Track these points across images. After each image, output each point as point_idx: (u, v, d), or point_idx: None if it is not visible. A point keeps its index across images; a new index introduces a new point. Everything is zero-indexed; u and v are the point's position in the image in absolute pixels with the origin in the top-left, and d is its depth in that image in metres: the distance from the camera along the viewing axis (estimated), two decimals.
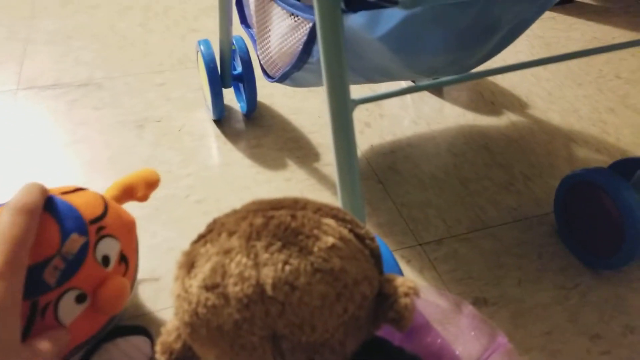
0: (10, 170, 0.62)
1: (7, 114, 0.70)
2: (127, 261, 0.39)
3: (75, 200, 0.36)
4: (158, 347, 0.30)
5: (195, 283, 0.28)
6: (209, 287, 0.27)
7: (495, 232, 0.58)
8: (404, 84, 0.81)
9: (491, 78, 0.83)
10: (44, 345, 0.30)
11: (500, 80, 0.83)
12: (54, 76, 0.78)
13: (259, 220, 0.29)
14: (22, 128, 0.69)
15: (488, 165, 0.67)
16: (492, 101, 0.79)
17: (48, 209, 0.33)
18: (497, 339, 0.36)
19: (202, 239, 0.30)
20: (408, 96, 0.79)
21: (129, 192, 0.43)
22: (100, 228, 0.36)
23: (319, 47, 0.36)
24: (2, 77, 0.77)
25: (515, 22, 0.49)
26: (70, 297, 0.33)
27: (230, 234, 0.29)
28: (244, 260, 0.27)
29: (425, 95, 0.80)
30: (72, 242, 0.33)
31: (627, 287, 0.52)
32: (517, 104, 0.79)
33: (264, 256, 0.27)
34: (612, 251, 0.50)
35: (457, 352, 0.36)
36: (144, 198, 0.44)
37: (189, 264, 0.29)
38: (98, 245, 0.35)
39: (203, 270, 0.28)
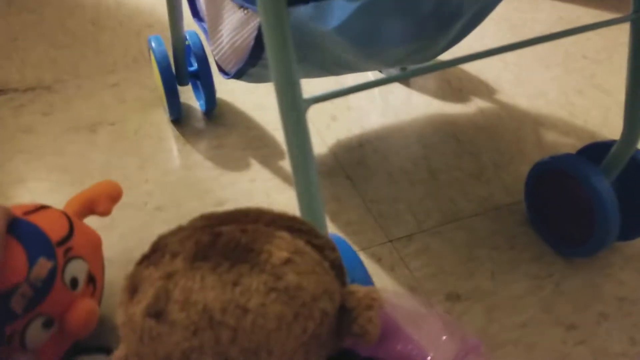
0: None
1: None
2: (94, 281, 0.37)
3: (39, 221, 0.34)
4: None
5: (138, 310, 0.25)
6: (153, 315, 0.25)
7: (466, 223, 0.56)
8: (370, 74, 0.79)
9: (458, 65, 0.82)
10: None
11: (467, 66, 0.81)
12: (1, 80, 0.73)
13: (205, 238, 0.27)
14: None
15: (458, 154, 0.66)
16: (460, 88, 0.78)
17: (13, 232, 0.31)
18: (469, 342, 0.34)
19: (145, 260, 0.28)
20: (375, 88, 0.77)
21: (89, 207, 0.41)
22: (68, 249, 0.34)
23: (265, 44, 0.33)
24: None
25: (478, 7, 0.48)
26: (37, 323, 0.32)
27: (174, 255, 0.27)
28: (189, 283, 0.25)
29: (392, 84, 0.78)
30: (40, 267, 0.32)
31: (600, 273, 0.51)
32: (485, 90, 0.77)
33: (211, 278, 0.25)
34: (584, 238, 0.50)
35: (429, 358, 0.34)
36: (106, 212, 0.42)
37: (132, 288, 0.27)
38: (66, 267, 0.34)
39: (146, 296, 0.25)
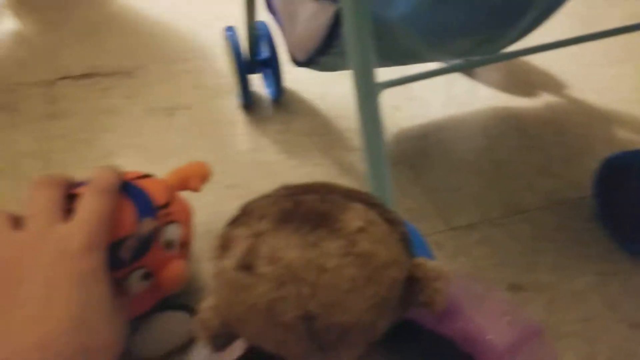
0: (50, 158, 0.64)
1: (46, 104, 0.72)
2: (186, 245, 0.42)
3: (146, 186, 0.38)
4: (197, 324, 0.31)
5: (229, 264, 0.28)
6: (243, 268, 0.28)
7: (530, 216, 0.56)
8: (434, 65, 0.79)
9: (525, 57, 0.81)
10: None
11: (535, 59, 0.80)
12: (87, 66, 0.80)
13: (288, 205, 0.30)
14: (60, 118, 0.70)
15: (523, 147, 0.65)
16: (526, 81, 0.77)
17: (125, 192, 0.36)
18: (531, 327, 0.35)
19: (234, 222, 0.31)
20: (439, 78, 0.78)
21: (183, 183, 0.45)
22: (167, 214, 0.39)
23: (344, 31, 0.35)
24: (42, 68, 0.79)
25: (547, 3, 0.48)
26: (138, 274, 0.36)
27: (261, 217, 0.29)
28: (275, 242, 0.28)
29: (457, 76, 0.78)
30: (145, 225, 0.36)
31: None
32: (553, 84, 0.76)
33: (294, 239, 0.28)
34: None
35: (489, 338, 0.35)
36: (197, 189, 0.47)
37: (223, 245, 0.30)
38: (165, 229, 0.38)
39: (237, 251, 0.28)
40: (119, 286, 0.35)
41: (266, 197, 0.32)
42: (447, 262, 0.52)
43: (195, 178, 0.46)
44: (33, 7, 0.94)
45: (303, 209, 0.29)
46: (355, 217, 0.29)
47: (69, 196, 0.34)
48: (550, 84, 0.76)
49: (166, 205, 0.39)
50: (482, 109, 0.72)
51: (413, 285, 0.30)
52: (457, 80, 0.77)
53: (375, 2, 0.39)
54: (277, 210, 0.29)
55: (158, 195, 0.39)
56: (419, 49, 0.52)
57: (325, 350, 0.29)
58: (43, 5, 0.95)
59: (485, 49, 0.56)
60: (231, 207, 0.33)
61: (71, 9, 0.93)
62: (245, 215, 0.31)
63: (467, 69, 0.79)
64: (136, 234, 0.35)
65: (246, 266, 0.28)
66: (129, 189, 0.37)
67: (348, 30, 0.34)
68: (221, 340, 0.32)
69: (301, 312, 0.27)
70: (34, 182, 0.33)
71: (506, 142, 0.66)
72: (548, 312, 0.47)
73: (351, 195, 0.31)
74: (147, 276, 0.37)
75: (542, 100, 0.73)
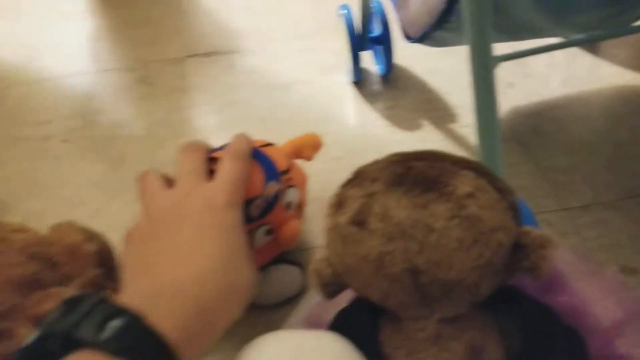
0: (185, 125, 0.72)
1: (178, 79, 0.81)
2: (301, 208, 0.47)
3: (270, 153, 0.43)
4: (311, 273, 0.35)
5: (343, 219, 0.32)
6: (356, 223, 0.31)
7: None
8: (553, 40, 0.76)
9: None
10: None
11: None
12: (213, 44, 0.87)
13: (399, 169, 0.32)
14: (189, 91, 0.79)
15: None
16: None
17: (255, 158, 0.41)
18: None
19: (348, 183, 0.34)
20: (558, 53, 0.74)
21: (298, 152, 0.49)
22: (288, 179, 0.44)
23: (462, 4, 0.36)
24: (173, 46, 0.88)
25: None
26: (262, 230, 0.42)
27: (374, 180, 0.32)
28: (387, 202, 0.30)
29: (578, 52, 0.74)
30: (271, 187, 0.41)
31: None
32: None
33: (405, 200, 0.30)
34: None
35: (595, 313, 0.35)
36: (309, 158, 0.51)
37: (338, 203, 0.33)
38: (285, 192, 0.43)
39: (351, 208, 0.31)
40: (247, 240, 0.40)
41: (378, 162, 0.34)
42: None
43: (308, 148, 0.50)
44: None
45: (414, 173, 0.31)
46: (464, 182, 0.31)
47: (210, 159, 0.39)
48: None
49: (287, 170, 0.44)
50: (604, 88, 0.68)
51: (519, 251, 0.31)
52: (578, 57, 0.73)
53: None
54: (389, 173, 0.32)
55: (280, 162, 0.43)
56: (539, 23, 0.50)
57: (429, 304, 0.31)
58: None
59: (612, 23, 0.53)
60: (338, 177, 0.36)
61: None
62: (358, 177, 0.34)
63: (590, 45, 0.74)
64: (264, 194, 0.40)
65: (359, 222, 0.31)
66: (257, 156, 0.41)
67: (469, 4, 0.35)
68: (331, 288, 0.35)
69: (408, 266, 0.29)
70: (181, 148, 0.38)
71: (629, 122, 0.62)
72: None
73: (461, 163, 0.32)
74: (269, 232, 0.42)
75: None
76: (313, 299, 0.43)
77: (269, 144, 0.46)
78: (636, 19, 0.54)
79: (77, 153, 0.70)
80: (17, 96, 0.81)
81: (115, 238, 0.43)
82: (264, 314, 0.47)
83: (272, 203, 0.41)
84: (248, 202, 0.39)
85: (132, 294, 0.28)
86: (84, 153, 0.70)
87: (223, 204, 0.33)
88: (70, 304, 0.26)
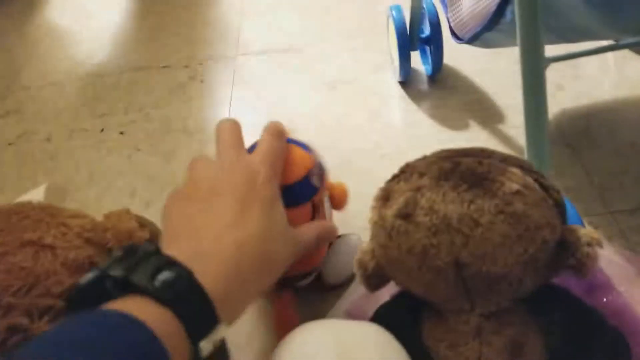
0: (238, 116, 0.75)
1: (229, 76, 0.84)
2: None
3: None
4: (355, 264, 0.36)
5: (390, 212, 0.33)
6: (403, 216, 0.32)
7: None
8: (604, 42, 0.74)
9: None
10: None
11: None
12: (264, 43, 0.90)
13: (447, 165, 0.33)
14: (240, 87, 0.82)
15: None
16: None
17: (292, 142, 0.43)
18: None
19: (395, 178, 0.35)
20: (609, 56, 0.73)
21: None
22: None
23: (515, 7, 0.37)
24: (225, 45, 0.92)
25: None
26: (326, 198, 0.44)
27: (421, 174, 0.33)
28: (434, 196, 0.31)
29: (631, 56, 0.72)
30: (314, 155, 0.43)
31: None
32: None
33: (452, 194, 0.31)
34: None
35: (639, 316, 0.35)
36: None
37: (385, 197, 0.34)
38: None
39: (397, 202, 0.33)
40: (318, 212, 0.42)
41: (426, 158, 0.36)
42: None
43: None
44: None
45: (461, 169, 0.32)
46: (511, 179, 0.31)
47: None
48: None
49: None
50: None
51: (564, 249, 0.31)
52: (629, 60, 0.72)
53: None
54: (437, 169, 0.33)
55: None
56: (590, 25, 0.50)
57: (471, 298, 0.32)
58: None
59: None
60: (383, 174, 0.37)
61: None
62: (406, 172, 0.35)
63: None
64: (316, 164, 0.42)
65: (405, 215, 0.32)
66: (293, 141, 0.43)
67: (519, 5, 0.36)
68: (375, 281, 0.37)
69: (452, 259, 0.31)
70: (219, 124, 0.40)
71: None
72: None
73: (509, 160, 0.33)
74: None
75: None
76: (356, 292, 0.44)
77: None
78: None
79: (131, 145, 0.74)
80: (76, 90, 0.87)
81: None
82: (310, 302, 0.49)
83: (323, 169, 0.43)
84: (308, 176, 0.40)
85: (176, 251, 0.30)
86: (138, 145, 0.74)
87: (264, 178, 0.35)
88: (127, 252, 0.28)
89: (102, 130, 0.77)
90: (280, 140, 0.39)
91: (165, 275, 0.26)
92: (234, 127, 0.39)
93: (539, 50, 0.36)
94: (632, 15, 0.46)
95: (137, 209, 0.50)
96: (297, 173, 0.40)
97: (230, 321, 0.30)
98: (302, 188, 0.40)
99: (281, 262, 0.34)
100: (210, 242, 0.31)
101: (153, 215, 0.50)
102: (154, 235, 0.51)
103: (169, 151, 0.72)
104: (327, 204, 0.44)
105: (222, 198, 0.33)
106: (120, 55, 0.93)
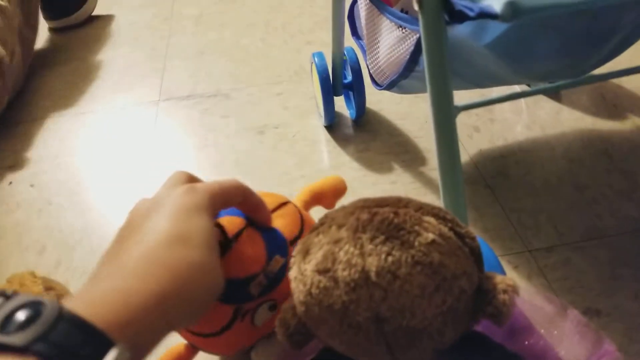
0: (153, 167, 0.72)
1: (151, 122, 0.82)
2: None
3: (278, 222, 0.40)
4: (277, 322, 0.34)
5: (309, 267, 0.32)
6: (321, 271, 0.31)
7: (612, 241, 0.55)
8: (517, 87, 0.79)
9: (615, 80, 0.78)
10: None
11: (625, 81, 0.77)
12: (188, 88, 0.88)
13: (364, 216, 0.33)
14: (164, 133, 0.79)
15: (608, 171, 0.64)
16: (615, 104, 0.74)
17: (260, 231, 0.38)
18: (604, 346, 0.35)
19: (315, 230, 0.34)
20: (522, 100, 0.78)
21: (317, 199, 0.46)
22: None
23: (424, 57, 0.38)
24: (147, 89, 0.89)
25: (635, 25, 0.47)
26: (265, 306, 0.38)
27: (340, 226, 0.32)
28: (352, 249, 0.31)
29: (541, 98, 0.78)
30: (275, 262, 0.38)
31: None
32: None
33: (369, 247, 0.30)
34: None
35: (560, 356, 0.36)
36: (330, 206, 0.46)
37: (304, 251, 0.33)
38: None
39: (316, 256, 0.32)
40: (239, 321, 0.37)
41: (344, 208, 0.35)
42: (522, 282, 0.52)
43: (329, 195, 0.46)
44: (134, 37, 1.06)
45: (378, 220, 0.32)
46: (427, 229, 0.31)
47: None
48: None
49: (297, 238, 0.40)
50: (566, 132, 0.71)
51: (482, 297, 0.31)
52: (541, 103, 0.77)
53: (464, 30, 0.42)
54: (355, 220, 0.32)
55: (288, 230, 0.39)
56: (501, 73, 0.53)
57: (393, 353, 0.31)
58: (146, 34, 1.06)
59: (570, 72, 0.56)
60: (313, 216, 0.36)
61: (177, 35, 1.04)
62: (324, 224, 0.34)
63: (552, 92, 0.78)
64: (266, 271, 0.37)
65: (324, 270, 0.31)
66: (263, 230, 0.38)
67: (428, 57, 0.37)
68: (298, 338, 0.35)
69: (372, 314, 0.30)
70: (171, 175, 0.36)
71: (590, 165, 0.65)
72: (627, 340, 0.46)
73: (424, 210, 0.33)
74: (274, 307, 0.39)
75: (631, 123, 0.71)
76: (281, 349, 0.42)
77: (284, 203, 0.42)
78: (591, 69, 0.57)
79: (43, 198, 0.69)
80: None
81: None
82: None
83: (277, 279, 0.38)
84: (247, 280, 0.36)
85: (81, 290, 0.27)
86: (50, 198, 0.69)
87: (187, 187, 0.32)
88: None
89: (11, 183, 0.72)
90: (244, 189, 0.36)
91: (19, 317, 0.22)
92: (179, 174, 0.36)
93: (448, 100, 0.37)
94: (531, 66, 0.50)
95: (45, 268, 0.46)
96: (235, 271, 0.36)
97: (141, 349, 0.26)
98: (231, 288, 0.35)
99: (210, 272, 0.30)
100: (116, 264, 0.28)
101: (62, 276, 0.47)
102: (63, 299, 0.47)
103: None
104: (266, 313, 0.39)
105: (144, 217, 0.31)
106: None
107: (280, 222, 0.40)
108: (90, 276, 0.29)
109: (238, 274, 0.36)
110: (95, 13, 1.14)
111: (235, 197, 0.36)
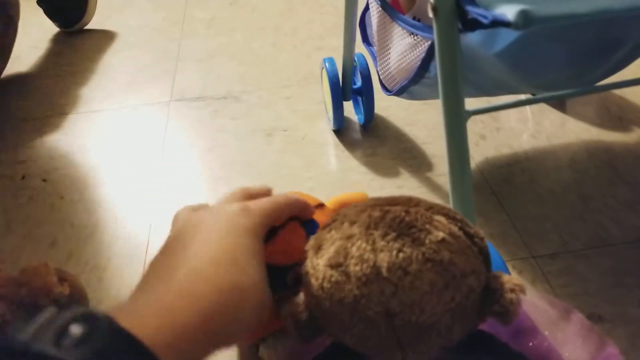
0: (163, 166, 0.74)
1: (162, 122, 0.83)
2: None
3: (319, 218, 0.41)
4: (288, 315, 0.35)
5: (321, 262, 0.33)
6: (334, 266, 0.32)
7: (616, 250, 0.56)
8: (522, 96, 0.80)
9: (619, 92, 0.79)
10: None
11: (630, 94, 0.78)
12: (199, 90, 0.90)
13: (376, 213, 0.33)
14: (174, 133, 0.80)
15: (612, 182, 0.65)
16: (620, 116, 0.75)
17: (302, 223, 0.40)
18: (607, 349, 0.36)
19: (327, 226, 0.35)
20: (527, 109, 0.79)
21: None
22: None
23: (437, 63, 0.39)
24: (159, 90, 0.91)
25: None
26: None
27: (352, 223, 0.33)
28: (364, 245, 0.31)
29: (546, 108, 0.79)
30: None
31: None
32: None
33: (381, 243, 0.31)
34: None
35: (564, 358, 0.36)
36: None
37: (316, 246, 0.34)
38: None
39: (329, 251, 0.33)
40: (274, 304, 0.37)
41: (356, 206, 0.36)
42: (526, 287, 0.52)
43: None
44: (146, 39, 1.07)
45: (389, 217, 0.33)
46: (437, 228, 0.32)
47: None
48: None
49: None
50: (571, 142, 0.72)
51: (489, 295, 0.32)
52: (546, 113, 0.78)
53: (475, 38, 0.43)
54: (367, 217, 0.33)
55: None
56: (509, 82, 0.54)
57: (403, 348, 0.32)
58: (157, 36, 1.08)
59: (577, 82, 0.57)
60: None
61: (189, 37, 1.06)
62: (337, 221, 0.35)
63: (558, 102, 0.79)
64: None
65: (337, 264, 0.32)
66: (307, 223, 0.40)
67: (441, 63, 0.38)
68: (307, 332, 0.36)
69: (383, 309, 0.30)
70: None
71: (594, 175, 0.66)
72: (630, 345, 0.47)
73: (434, 209, 0.34)
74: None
75: (635, 135, 0.72)
76: (289, 345, 0.43)
77: (321, 204, 0.44)
78: (597, 80, 0.58)
79: (55, 193, 0.70)
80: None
81: None
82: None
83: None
84: (286, 269, 0.37)
85: (130, 304, 0.27)
86: (62, 193, 0.70)
87: (240, 209, 0.33)
88: (30, 314, 0.24)
89: (23, 177, 0.73)
90: (300, 203, 0.38)
91: (74, 332, 0.22)
92: (239, 190, 0.37)
93: (459, 104, 0.38)
94: (539, 75, 0.51)
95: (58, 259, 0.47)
96: (276, 257, 0.37)
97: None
98: (269, 274, 0.35)
99: (258, 294, 0.31)
100: (164, 284, 0.28)
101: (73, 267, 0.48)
102: (76, 290, 0.48)
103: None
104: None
105: (191, 235, 0.32)
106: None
107: (321, 219, 0.41)
108: (137, 286, 0.29)
109: (278, 260, 0.37)
110: (107, 16, 1.15)
111: (288, 214, 0.38)
